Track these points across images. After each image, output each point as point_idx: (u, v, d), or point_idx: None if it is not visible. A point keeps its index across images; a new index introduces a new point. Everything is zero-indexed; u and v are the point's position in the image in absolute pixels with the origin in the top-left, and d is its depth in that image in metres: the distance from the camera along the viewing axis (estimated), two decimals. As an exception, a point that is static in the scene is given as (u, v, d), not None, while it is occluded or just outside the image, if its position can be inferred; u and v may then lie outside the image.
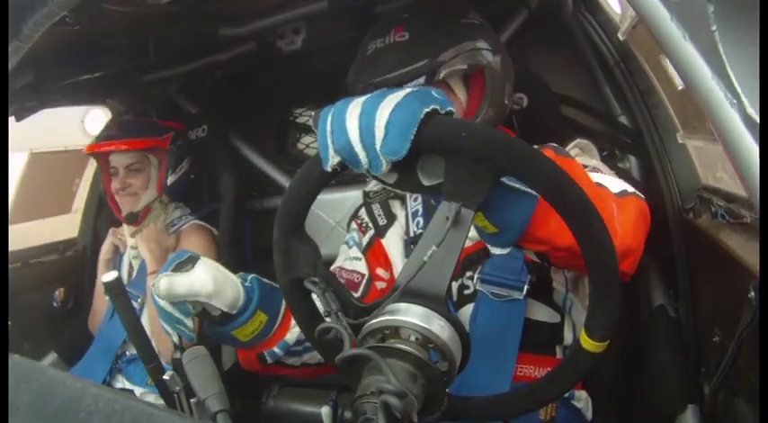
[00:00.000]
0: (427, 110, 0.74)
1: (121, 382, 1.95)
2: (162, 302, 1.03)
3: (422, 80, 1.24)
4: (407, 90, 0.77)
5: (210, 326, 1.12)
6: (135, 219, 1.99)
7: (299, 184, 0.87)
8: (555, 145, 1.27)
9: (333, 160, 0.78)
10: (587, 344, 0.80)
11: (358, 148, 0.75)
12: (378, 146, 0.74)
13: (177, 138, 2.08)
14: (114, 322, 1.91)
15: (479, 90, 1.31)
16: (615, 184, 1.11)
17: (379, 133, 0.74)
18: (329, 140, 0.78)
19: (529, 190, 0.81)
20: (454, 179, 0.76)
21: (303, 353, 1.23)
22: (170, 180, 2.04)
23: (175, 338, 1.03)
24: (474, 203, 0.76)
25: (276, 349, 1.19)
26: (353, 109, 0.77)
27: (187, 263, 1.06)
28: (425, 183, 0.82)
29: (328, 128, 0.78)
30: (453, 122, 0.76)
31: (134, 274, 2.02)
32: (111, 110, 2.36)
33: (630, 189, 1.12)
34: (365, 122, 0.75)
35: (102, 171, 2.06)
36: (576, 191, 0.73)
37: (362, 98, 0.78)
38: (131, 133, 1.99)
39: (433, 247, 0.75)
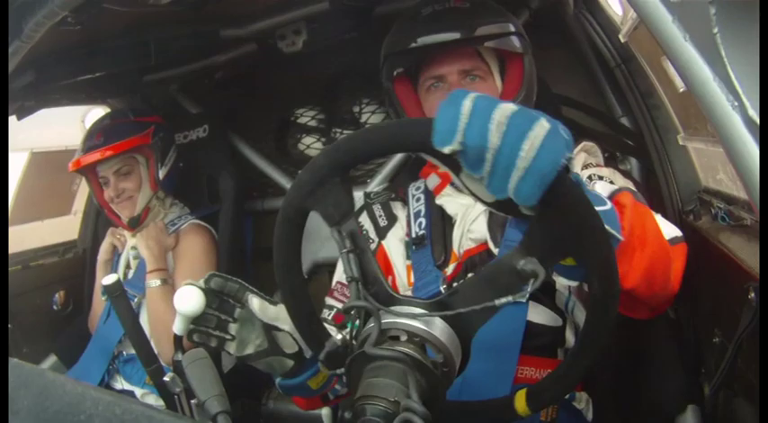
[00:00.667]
0: (564, 160, 0.68)
1: (120, 383, 1.95)
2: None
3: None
4: (545, 120, 0.68)
5: (282, 381, 1.13)
6: (138, 222, 1.99)
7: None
8: (633, 189, 1.22)
9: (452, 144, 0.68)
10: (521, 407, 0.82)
11: (489, 155, 0.67)
12: (515, 177, 0.67)
13: (158, 130, 2.06)
14: (111, 323, 1.90)
15: (516, 78, 1.33)
16: (667, 229, 1.13)
17: (522, 164, 0.66)
18: (461, 124, 0.68)
19: (614, 232, 0.82)
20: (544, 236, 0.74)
21: None
22: (161, 173, 2.02)
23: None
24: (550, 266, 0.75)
25: (338, 387, 1.21)
26: (500, 115, 0.68)
27: (274, 299, 1.07)
28: (525, 211, 0.77)
29: (466, 110, 0.68)
30: (580, 193, 0.72)
31: (130, 273, 2.02)
32: (112, 109, 2.36)
33: (679, 234, 1.14)
34: (512, 141, 0.67)
35: (92, 184, 2.04)
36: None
37: (510, 108, 0.69)
38: (113, 137, 1.96)
39: (509, 298, 0.74)
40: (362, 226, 1.52)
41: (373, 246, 1.47)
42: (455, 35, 1.25)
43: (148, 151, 2.02)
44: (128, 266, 2.04)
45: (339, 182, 0.80)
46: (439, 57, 1.32)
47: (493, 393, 0.92)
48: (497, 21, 1.30)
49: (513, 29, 1.31)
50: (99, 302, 2.06)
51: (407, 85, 1.40)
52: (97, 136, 1.98)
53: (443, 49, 1.28)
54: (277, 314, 1.05)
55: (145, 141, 2.00)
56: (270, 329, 1.05)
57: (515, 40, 1.31)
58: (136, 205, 1.99)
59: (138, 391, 1.89)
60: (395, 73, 1.36)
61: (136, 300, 1.92)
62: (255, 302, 1.02)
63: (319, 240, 2.14)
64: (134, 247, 2.00)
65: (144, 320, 1.84)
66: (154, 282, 1.86)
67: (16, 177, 2.28)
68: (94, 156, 1.91)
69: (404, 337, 0.75)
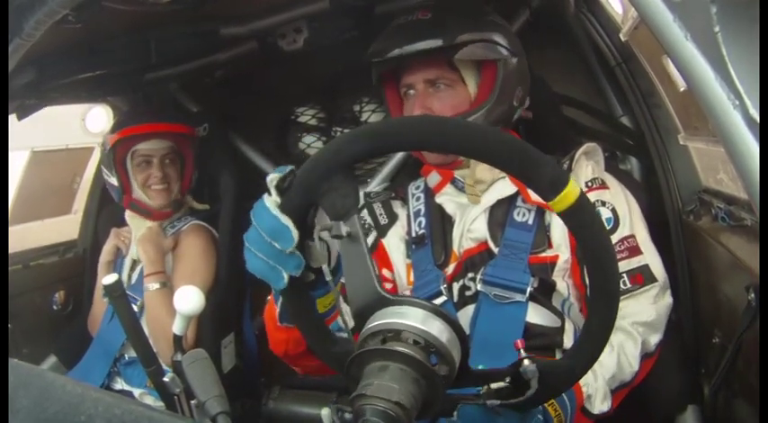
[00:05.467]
0: None
1: (120, 384, 1.94)
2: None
3: None
4: None
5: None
6: (179, 206, 2.02)
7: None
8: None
9: None
10: None
11: None
12: None
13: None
14: (113, 325, 1.89)
15: (490, 83, 1.34)
16: (654, 340, 1.25)
17: None
18: None
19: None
20: None
21: None
22: (195, 176, 2.06)
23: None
24: None
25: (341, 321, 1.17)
26: None
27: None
28: None
29: None
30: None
31: (134, 277, 2.00)
32: (113, 108, 2.36)
33: (656, 341, 1.25)
34: None
35: (117, 162, 1.96)
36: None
37: None
38: (173, 119, 1.98)
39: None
40: (365, 220, 1.52)
41: (372, 239, 1.48)
42: (414, 48, 1.28)
43: (191, 148, 2.05)
44: (132, 269, 2.03)
45: (344, 177, 0.80)
46: (408, 66, 1.37)
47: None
48: (463, 31, 1.30)
49: (486, 37, 1.32)
50: (99, 304, 2.05)
51: (393, 88, 1.46)
52: (152, 113, 2.01)
53: (412, 58, 1.32)
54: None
55: (195, 136, 2.05)
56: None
57: (486, 47, 1.32)
58: (171, 194, 1.99)
59: (137, 392, 1.89)
60: (374, 81, 1.45)
61: (138, 303, 1.91)
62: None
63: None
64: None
65: (144, 325, 1.84)
66: (152, 285, 1.85)
67: (17, 176, 2.27)
68: (159, 126, 1.93)
69: (404, 338, 0.75)
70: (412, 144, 0.87)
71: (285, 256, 0.83)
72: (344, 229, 0.80)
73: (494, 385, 0.86)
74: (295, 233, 0.82)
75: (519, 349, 0.84)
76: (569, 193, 0.73)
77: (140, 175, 1.97)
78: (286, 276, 0.84)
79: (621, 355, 1.18)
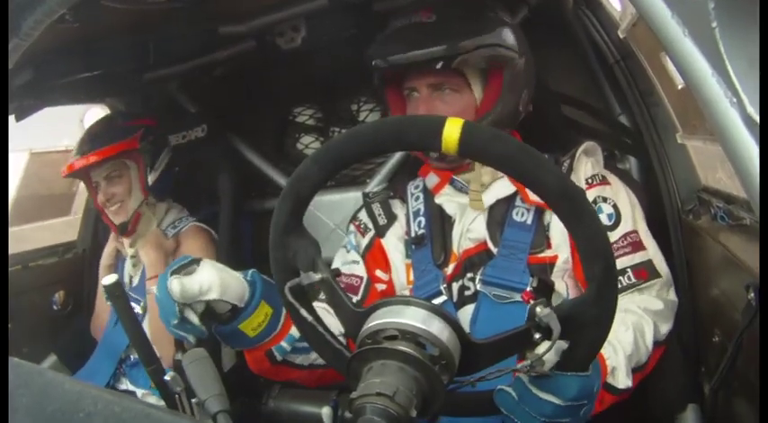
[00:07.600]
0: None
1: (125, 385, 1.96)
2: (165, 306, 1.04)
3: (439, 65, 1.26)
4: None
5: (218, 328, 1.12)
6: (126, 229, 1.98)
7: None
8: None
9: None
10: None
11: None
12: None
13: (147, 134, 2.03)
14: (119, 327, 1.90)
15: (497, 88, 1.32)
16: (664, 329, 1.23)
17: None
18: None
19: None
20: None
21: (310, 351, 1.22)
22: (151, 179, 2.01)
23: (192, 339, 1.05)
24: None
25: (284, 343, 1.17)
26: None
27: (190, 265, 1.07)
28: None
29: None
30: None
31: (134, 281, 2.01)
32: (111, 108, 2.35)
33: (666, 330, 1.24)
34: None
35: (89, 188, 2.04)
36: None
37: None
38: (99, 143, 1.95)
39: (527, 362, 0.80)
40: (361, 221, 1.52)
41: (368, 238, 1.48)
42: (417, 56, 1.24)
43: (137, 156, 2.00)
44: (134, 267, 2.04)
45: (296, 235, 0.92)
46: (412, 70, 1.32)
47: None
48: (468, 36, 1.26)
49: (492, 40, 1.29)
50: (102, 306, 2.06)
51: (395, 89, 1.43)
52: (86, 141, 1.98)
53: (416, 63, 1.27)
54: (200, 286, 1.03)
55: (132, 146, 1.97)
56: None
57: (492, 51, 1.28)
58: (127, 211, 1.98)
59: (140, 392, 1.89)
60: (375, 82, 1.42)
61: (141, 304, 1.92)
62: (175, 286, 1.01)
63: (318, 240, 2.13)
64: (133, 256, 2.00)
65: (147, 325, 1.84)
66: (155, 288, 1.86)
67: (16, 178, 2.28)
68: (81, 161, 1.92)
69: (404, 337, 0.75)
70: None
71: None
72: (316, 277, 0.90)
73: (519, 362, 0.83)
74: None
75: (528, 300, 0.79)
76: (451, 128, 0.72)
77: (99, 198, 1.99)
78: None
79: (638, 334, 1.14)
